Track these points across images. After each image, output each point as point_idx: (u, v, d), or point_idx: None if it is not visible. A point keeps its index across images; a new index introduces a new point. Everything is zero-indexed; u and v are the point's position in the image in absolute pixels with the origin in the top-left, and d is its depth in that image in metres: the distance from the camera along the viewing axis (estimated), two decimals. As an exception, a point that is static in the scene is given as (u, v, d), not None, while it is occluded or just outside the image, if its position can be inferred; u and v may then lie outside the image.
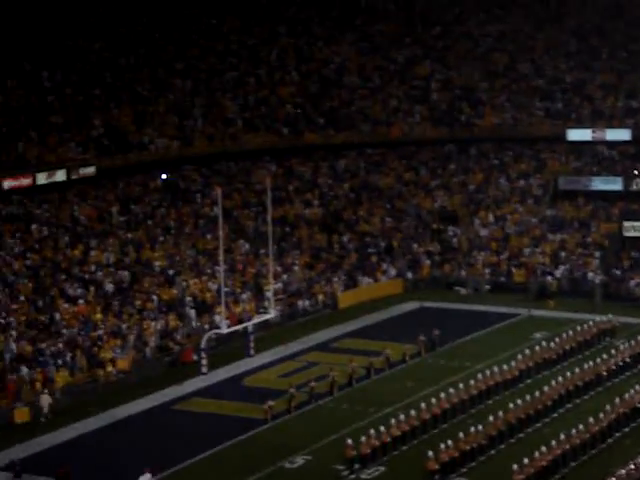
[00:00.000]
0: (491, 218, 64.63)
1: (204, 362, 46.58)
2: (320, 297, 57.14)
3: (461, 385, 40.71)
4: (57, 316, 48.48)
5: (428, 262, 61.96)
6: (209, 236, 59.45)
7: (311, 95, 74.63)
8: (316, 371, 45.87)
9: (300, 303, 56.04)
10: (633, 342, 45.74)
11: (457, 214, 65.64)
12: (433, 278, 61.35)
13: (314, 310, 56.50)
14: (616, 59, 73.65)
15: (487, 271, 60.33)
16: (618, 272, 57.86)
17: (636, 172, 63.89)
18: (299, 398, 42.10)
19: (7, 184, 56.69)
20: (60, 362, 44.99)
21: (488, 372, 42.36)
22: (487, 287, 59.38)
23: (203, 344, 46.87)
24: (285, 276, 57.61)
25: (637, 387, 39.60)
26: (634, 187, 63.12)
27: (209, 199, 62.64)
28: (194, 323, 51.39)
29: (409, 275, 61.14)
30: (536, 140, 69.29)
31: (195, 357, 48.02)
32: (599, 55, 74.57)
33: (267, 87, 74.39)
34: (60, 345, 46.05)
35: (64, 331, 47.49)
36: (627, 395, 38.85)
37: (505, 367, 43.15)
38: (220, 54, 76.46)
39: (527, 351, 45.10)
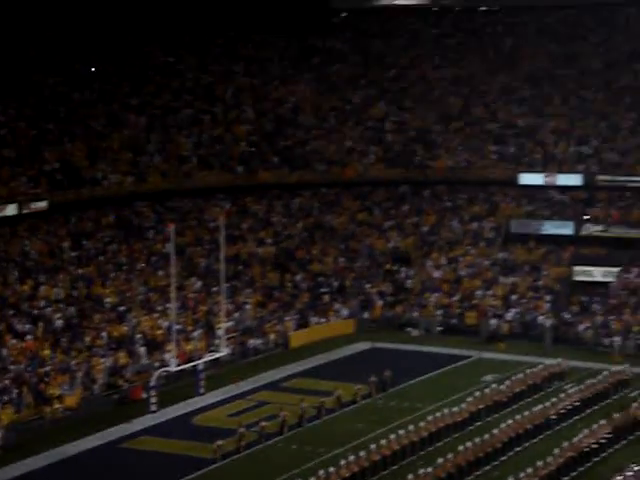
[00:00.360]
0: (443, 260, 64.93)
1: (153, 400, 46.12)
2: (272, 336, 56.93)
3: (411, 427, 40.61)
4: (4, 352, 47.79)
5: (380, 302, 62.06)
6: (161, 273, 59.08)
7: (266, 134, 74.78)
8: (266, 410, 45.59)
9: (251, 342, 55.79)
10: (582, 386, 46.00)
11: (410, 255, 65.89)
12: (385, 319, 61.40)
13: (265, 349, 56.27)
14: (568, 105, 74.64)
15: (439, 313, 60.50)
16: (568, 316, 58.26)
17: (586, 217, 64.59)
18: (249, 437, 41.77)
19: (-42, 217, 56.09)
20: (6, 398, 44.31)
21: (438, 414, 42.32)
22: (439, 329, 59.51)
23: (153, 382, 46.44)
24: (237, 314, 57.37)
25: (585, 431, 39.79)
26: (584, 232, 63.78)
27: (162, 236, 62.31)
28: (144, 360, 50.91)
29: (361, 315, 61.15)
30: (489, 183, 69.87)
31: (144, 395, 47.52)
32: (551, 101, 75.53)
33: (222, 125, 74.42)
34: (7, 382, 45.37)
35: (11, 367, 46.81)
36: (575, 439, 38.98)
37: (455, 409, 43.13)
38: (176, 91, 76.45)
39: (477, 393, 45.15)
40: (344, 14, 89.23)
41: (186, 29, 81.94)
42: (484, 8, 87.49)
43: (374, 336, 58.49)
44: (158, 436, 43.32)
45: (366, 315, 61.40)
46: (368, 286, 63.40)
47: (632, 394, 46.51)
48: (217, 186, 69.19)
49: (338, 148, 73.97)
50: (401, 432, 40.14)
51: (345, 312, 61.07)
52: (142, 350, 51.25)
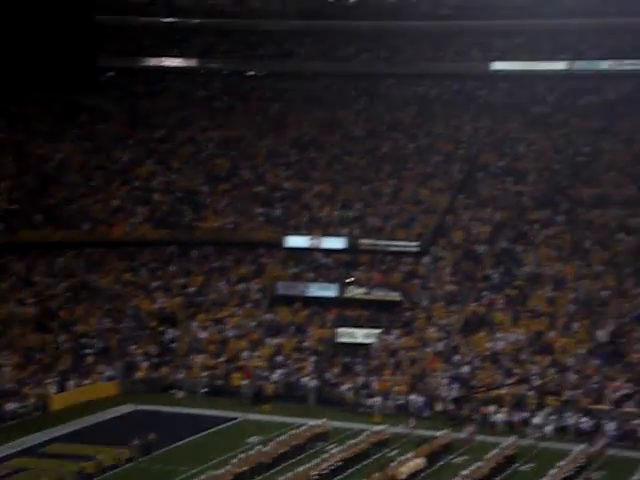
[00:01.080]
0: (210, 321, 64.84)
1: None
2: (31, 399, 55.04)
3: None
4: None
5: (145, 364, 61.18)
6: None
7: (29, 191, 72.91)
8: (24, 478, 43.90)
9: (9, 405, 53.75)
10: (344, 446, 46.74)
11: (176, 316, 65.44)
12: (150, 380, 60.51)
13: (24, 412, 54.32)
14: (332, 170, 76.63)
15: (205, 374, 60.18)
16: (331, 377, 59.20)
17: (350, 279, 66.13)
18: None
19: None
20: None
21: (203, 477, 41.93)
22: (204, 390, 59.18)
23: None
24: (-6, 377, 55.29)
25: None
26: (348, 294, 65.23)
27: None
28: None
29: (126, 377, 60.07)
30: (256, 245, 70.54)
31: None
32: (316, 166, 77.36)
33: (-17, 181, 72.22)
34: None
35: None
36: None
37: (220, 472, 42.87)
38: None
39: (242, 455, 45.09)
40: (111, 73, 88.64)
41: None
42: (252, 73, 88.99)
43: (138, 398, 57.53)
44: None
45: (131, 377, 60.35)
46: (133, 347, 62.43)
47: (391, 454, 47.61)
48: (-24, 244, 66.88)
49: (104, 207, 73.00)
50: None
51: (109, 373, 59.84)
52: None
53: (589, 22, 78.57)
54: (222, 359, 61.40)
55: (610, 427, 51.42)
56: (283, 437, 47.94)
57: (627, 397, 53.62)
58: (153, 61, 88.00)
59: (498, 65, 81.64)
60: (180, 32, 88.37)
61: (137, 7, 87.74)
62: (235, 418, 54.90)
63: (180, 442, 50.05)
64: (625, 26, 78.33)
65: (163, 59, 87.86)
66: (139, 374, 60.59)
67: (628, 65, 78.24)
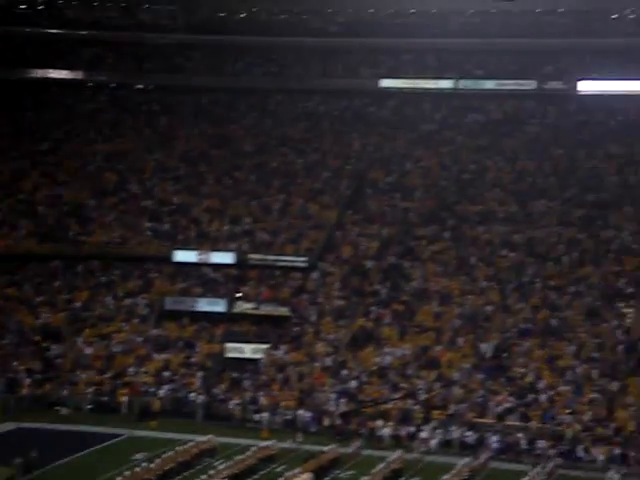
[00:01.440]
0: (96, 336, 63.92)
1: None
2: None
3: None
4: None
5: (28, 380, 59.95)
6: None
7: None
8: None
9: None
10: (231, 462, 46.57)
11: (61, 331, 64.33)
12: (33, 397, 59.30)
13: None
14: (221, 185, 76.45)
15: (90, 390, 59.28)
16: (219, 392, 58.93)
17: (239, 295, 65.98)
18: None
19: None
20: None
21: (87, 495, 41.33)
22: (89, 407, 58.29)
23: None
24: None
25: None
26: (237, 309, 65.08)
27: None
28: None
29: (7, 394, 58.74)
30: (144, 259, 69.84)
31: None
32: (205, 180, 77.06)
33: None
34: None
35: None
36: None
37: (105, 489, 42.35)
38: None
39: (127, 472, 44.50)
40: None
41: None
42: (140, 86, 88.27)
43: (21, 416, 56.32)
44: None
45: (13, 394, 59.05)
46: (16, 364, 61.15)
47: (278, 469, 47.60)
48: None
49: (-13, 220, 71.55)
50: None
51: (-9, 391, 58.56)
52: None
53: (473, 42, 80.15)
54: (108, 375, 60.57)
55: (493, 440, 52.32)
56: (169, 453, 47.50)
57: (509, 411, 54.63)
58: (39, 72, 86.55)
59: (386, 82, 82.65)
60: (67, 44, 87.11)
61: (23, 17, 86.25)
62: (121, 435, 54.18)
63: (64, 460, 49.14)
64: (508, 47, 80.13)
65: (49, 71, 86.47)
66: (22, 391, 59.34)
67: (511, 85, 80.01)
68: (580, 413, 53.84)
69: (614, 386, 55.62)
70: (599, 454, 50.88)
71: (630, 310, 61.47)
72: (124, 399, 58.15)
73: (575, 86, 78.94)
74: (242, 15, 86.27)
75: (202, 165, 78.79)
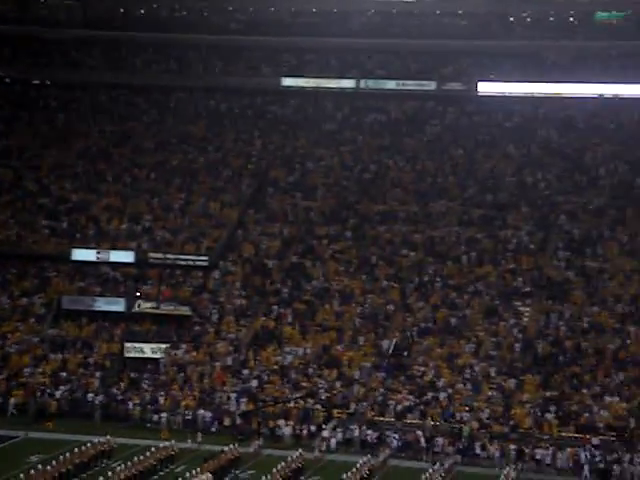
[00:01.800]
0: (-10, 337, 62.63)
1: None
2: None
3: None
4: None
5: None
6: None
7: None
8: None
9: None
10: (129, 463, 45.96)
11: (-46, 332, 62.86)
12: None
13: None
14: (121, 183, 75.49)
15: (-17, 392, 58.05)
16: (117, 392, 58.15)
17: (138, 294, 65.23)
18: None
19: None
20: None
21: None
22: (-17, 409, 57.04)
23: None
24: None
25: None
26: (136, 308, 64.32)
27: None
28: None
29: None
30: (41, 258, 68.59)
31: None
32: (105, 178, 76.01)
33: None
34: None
35: None
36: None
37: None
38: None
39: (22, 475, 43.54)
40: None
41: None
42: (37, 82, 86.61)
43: None
44: None
45: None
46: None
47: (177, 470, 47.17)
48: None
49: None
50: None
51: None
52: None
53: (375, 42, 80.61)
54: (3, 376, 59.32)
55: (393, 438, 52.62)
56: (66, 455, 46.67)
57: (409, 409, 55.02)
58: None
59: (288, 81, 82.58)
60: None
61: None
62: (16, 437, 53.08)
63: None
64: (409, 47, 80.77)
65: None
66: None
67: (412, 85, 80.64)
68: (478, 410, 54.50)
69: (511, 384, 56.45)
70: (496, 451, 51.56)
71: (527, 309, 62.48)
72: (12, 400, 56.91)
73: (475, 87, 79.90)
74: (142, 11, 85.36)
75: (101, 163, 77.71)
